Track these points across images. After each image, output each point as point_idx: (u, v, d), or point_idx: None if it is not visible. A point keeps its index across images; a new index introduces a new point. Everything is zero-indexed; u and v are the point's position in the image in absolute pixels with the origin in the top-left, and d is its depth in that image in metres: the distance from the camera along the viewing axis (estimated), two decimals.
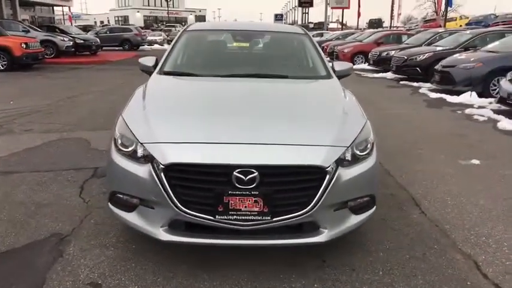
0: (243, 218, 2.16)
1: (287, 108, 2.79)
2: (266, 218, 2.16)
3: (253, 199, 2.13)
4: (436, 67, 9.95)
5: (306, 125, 2.50)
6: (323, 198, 2.18)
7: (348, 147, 2.32)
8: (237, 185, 2.10)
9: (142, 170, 2.23)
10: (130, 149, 2.33)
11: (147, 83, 3.22)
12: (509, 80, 7.09)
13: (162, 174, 2.15)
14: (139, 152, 2.28)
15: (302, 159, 2.19)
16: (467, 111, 7.46)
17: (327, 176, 2.18)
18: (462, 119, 6.99)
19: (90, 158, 4.48)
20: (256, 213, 2.15)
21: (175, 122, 2.48)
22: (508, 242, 2.84)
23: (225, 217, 2.16)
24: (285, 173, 2.18)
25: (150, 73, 3.58)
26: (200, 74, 3.53)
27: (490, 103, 7.98)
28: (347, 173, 2.27)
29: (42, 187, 3.65)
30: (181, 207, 2.16)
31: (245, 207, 2.14)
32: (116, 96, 8.49)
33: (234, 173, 2.10)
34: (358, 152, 2.37)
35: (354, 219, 2.41)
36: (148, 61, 3.69)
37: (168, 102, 2.85)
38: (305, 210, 2.18)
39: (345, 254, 2.63)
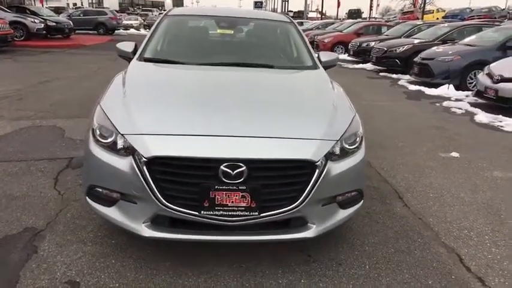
0: (230, 213, 2.08)
1: (275, 99, 2.69)
2: (254, 213, 2.09)
3: (241, 194, 2.05)
4: (415, 59, 10.06)
5: (295, 118, 2.42)
6: (312, 193, 2.13)
7: (338, 141, 2.26)
8: (223, 179, 2.02)
9: (123, 163, 2.12)
10: (109, 140, 2.20)
11: (127, 70, 3.07)
12: (486, 73, 7.23)
13: (144, 167, 2.04)
14: (120, 144, 2.16)
15: (291, 153, 2.12)
16: (445, 103, 7.58)
17: (317, 171, 2.12)
18: (440, 111, 7.09)
19: (65, 147, 4.29)
20: (243, 208, 2.08)
21: (159, 113, 2.35)
22: (489, 234, 2.88)
23: (211, 212, 2.08)
24: (273, 168, 2.10)
25: (128, 59, 3.42)
26: (182, 61, 3.37)
27: (467, 96, 8.14)
28: (336, 167, 2.22)
29: (13, 178, 3.46)
30: (165, 202, 2.06)
31: (232, 202, 2.06)
32: (91, 83, 8.19)
33: (221, 167, 2.01)
34: (347, 146, 2.32)
35: (342, 214, 2.37)
36: (126, 46, 3.51)
37: (150, 91, 2.70)
38: (294, 205, 2.12)
39: (330, 248, 2.60)
